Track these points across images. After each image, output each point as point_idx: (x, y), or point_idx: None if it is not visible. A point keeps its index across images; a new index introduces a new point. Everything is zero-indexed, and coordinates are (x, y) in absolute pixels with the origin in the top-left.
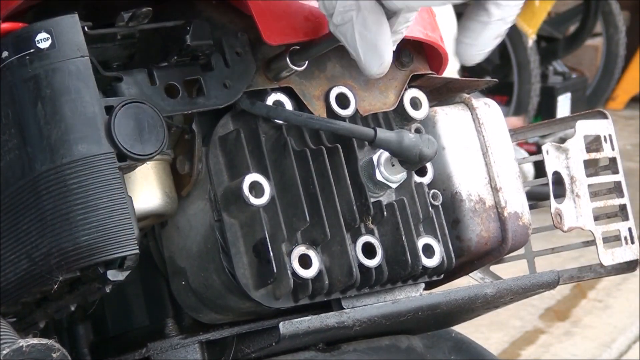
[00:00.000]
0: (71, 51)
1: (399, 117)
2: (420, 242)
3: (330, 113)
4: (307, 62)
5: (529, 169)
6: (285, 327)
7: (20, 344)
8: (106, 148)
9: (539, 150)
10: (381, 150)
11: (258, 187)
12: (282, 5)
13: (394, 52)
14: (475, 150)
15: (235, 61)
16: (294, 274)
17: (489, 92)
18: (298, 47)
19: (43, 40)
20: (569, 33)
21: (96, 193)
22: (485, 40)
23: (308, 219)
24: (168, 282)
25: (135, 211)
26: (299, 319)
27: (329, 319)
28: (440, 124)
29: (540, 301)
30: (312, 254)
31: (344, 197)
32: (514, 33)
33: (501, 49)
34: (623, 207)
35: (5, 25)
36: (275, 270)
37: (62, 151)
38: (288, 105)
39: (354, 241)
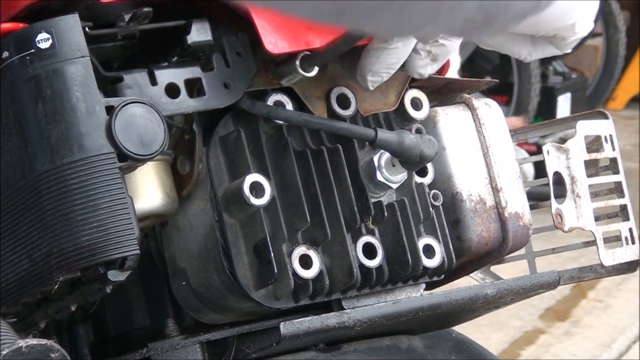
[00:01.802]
0: (72, 51)
1: (400, 117)
2: (421, 243)
3: (331, 113)
4: (316, 68)
5: (530, 169)
6: (286, 327)
7: (20, 345)
8: (107, 148)
9: (539, 151)
10: (382, 151)
11: (259, 188)
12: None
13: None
14: (476, 150)
15: (236, 61)
16: (295, 274)
17: (489, 92)
18: (309, 54)
19: (43, 41)
20: None
21: (97, 193)
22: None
23: (309, 219)
24: (168, 282)
25: (135, 211)
26: (299, 319)
27: (330, 319)
28: (440, 124)
29: (540, 301)
30: (312, 254)
31: (345, 197)
32: None
33: None
34: (624, 208)
35: (6, 26)
36: (275, 271)
37: (62, 151)
38: (289, 105)
39: (355, 241)
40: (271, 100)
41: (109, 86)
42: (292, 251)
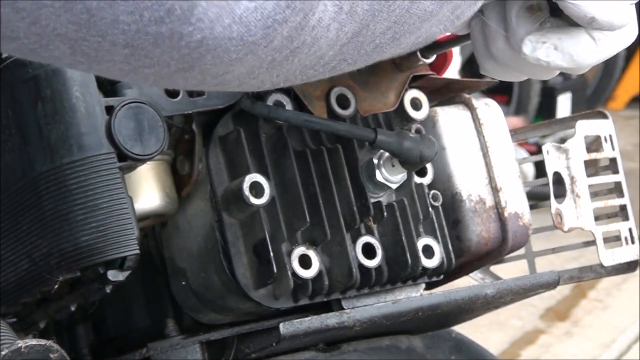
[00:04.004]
0: None
1: (399, 117)
2: (420, 243)
3: (331, 113)
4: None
5: (529, 169)
6: (286, 327)
7: (19, 345)
8: (106, 148)
9: (539, 151)
10: (381, 151)
11: (258, 187)
12: None
13: None
14: (476, 150)
15: None
16: (294, 274)
17: (489, 92)
18: None
19: None
20: None
21: (96, 193)
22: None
23: (308, 219)
24: (168, 282)
25: (135, 211)
26: (299, 319)
27: (329, 319)
28: (440, 124)
29: (541, 301)
30: (312, 254)
31: (344, 197)
32: None
33: None
34: (623, 207)
35: None
36: (275, 271)
37: (62, 151)
38: (288, 105)
39: (354, 241)
40: (271, 100)
41: (109, 86)
42: (291, 251)
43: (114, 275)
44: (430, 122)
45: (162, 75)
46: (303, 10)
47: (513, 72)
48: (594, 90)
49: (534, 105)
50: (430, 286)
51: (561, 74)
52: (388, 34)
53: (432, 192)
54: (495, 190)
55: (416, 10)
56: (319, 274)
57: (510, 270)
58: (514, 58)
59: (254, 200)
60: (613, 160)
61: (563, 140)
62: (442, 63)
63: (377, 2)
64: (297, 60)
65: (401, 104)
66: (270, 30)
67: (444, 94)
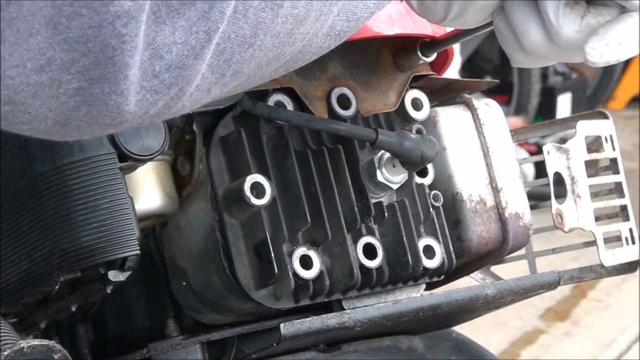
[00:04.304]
0: None
1: (400, 117)
2: (421, 243)
3: (332, 114)
4: (435, 54)
5: (530, 169)
6: (286, 327)
7: (22, 345)
8: (107, 148)
9: (539, 151)
10: (382, 151)
11: (259, 188)
12: None
13: (395, 51)
14: (476, 150)
15: None
16: (295, 274)
17: (489, 92)
18: (428, 40)
19: None
20: None
21: (97, 194)
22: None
23: (309, 219)
24: (168, 282)
25: (136, 212)
26: (299, 320)
27: (330, 319)
28: (441, 125)
29: (541, 301)
30: (313, 254)
31: (345, 197)
32: None
33: (501, 49)
34: (624, 208)
35: None
36: (276, 271)
37: (62, 152)
38: (289, 105)
39: (355, 242)
40: (272, 100)
41: None
42: (292, 251)
43: (115, 275)
44: (431, 123)
45: (39, 131)
46: (177, 84)
47: (547, 61)
48: (594, 90)
49: (534, 105)
50: (430, 286)
51: (561, 74)
52: (279, 71)
53: (433, 192)
54: (495, 190)
55: (309, 49)
56: (320, 275)
57: (510, 271)
58: (551, 50)
59: (255, 201)
60: (613, 161)
61: (563, 141)
62: (442, 62)
63: (265, 58)
64: (175, 113)
65: (402, 104)
66: (143, 100)
67: (444, 94)
